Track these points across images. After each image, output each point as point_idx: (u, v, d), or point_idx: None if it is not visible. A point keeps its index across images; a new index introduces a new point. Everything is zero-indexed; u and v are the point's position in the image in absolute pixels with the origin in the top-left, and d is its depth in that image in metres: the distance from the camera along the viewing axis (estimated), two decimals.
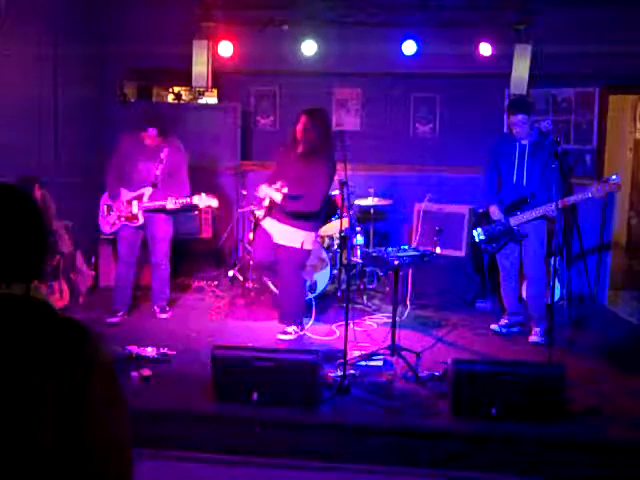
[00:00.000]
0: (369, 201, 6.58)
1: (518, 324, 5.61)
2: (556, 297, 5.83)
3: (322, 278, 6.14)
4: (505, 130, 6.96)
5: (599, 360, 5.01)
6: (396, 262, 4.67)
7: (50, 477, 1.32)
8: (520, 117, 5.23)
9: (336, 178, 5.70)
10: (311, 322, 5.61)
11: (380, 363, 4.72)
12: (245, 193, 6.59)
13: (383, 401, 4.18)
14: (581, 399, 4.16)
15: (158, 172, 5.55)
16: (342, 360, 4.36)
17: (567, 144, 7.14)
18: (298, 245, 5.23)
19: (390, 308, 5.11)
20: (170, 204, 5.47)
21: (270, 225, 5.32)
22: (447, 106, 7.45)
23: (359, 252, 6.22)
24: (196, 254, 7.18)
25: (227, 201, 7.12)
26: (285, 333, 5.31)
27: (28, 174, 5.35)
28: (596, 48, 6.40)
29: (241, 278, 6.63)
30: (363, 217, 6.73)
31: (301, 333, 5.39)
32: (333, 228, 6.36)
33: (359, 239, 6.32)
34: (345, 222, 5.60)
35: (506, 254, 5.50)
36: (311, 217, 5.26)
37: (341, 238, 5.87)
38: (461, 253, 6.38)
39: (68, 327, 1.40)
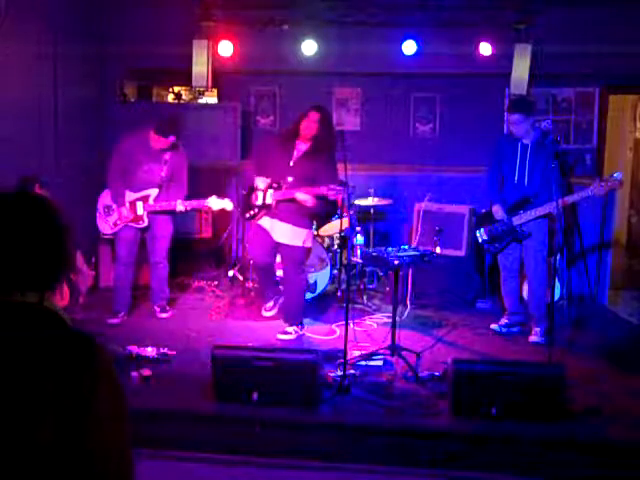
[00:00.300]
0: (369, 201, 6.58)
1: (518, 324, 5.61)
2: (556, 297, 5.82)
3: (322, 278, 6.15)
4: (505, 130, 6.96)
5: (599, 360, 5.01)
6: (396, 262, 4.67)
7: (50, 478, 1.32)
8: (517, 116, 5.23)
9: None
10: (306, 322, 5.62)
11: (380, 363, 4.72)
12: (245, 193, 6.58)
13: (383, 401, 4.18)
14: (581, 399, 4.16)
15: (163, 174, 5.54)
16: (342, 360, 4.35)
17: (567, 144, 7.15)
18: (300, 243, 5.23)
19: (390, 308, 5.11)
20: (180, 206, 5.46)
21: (270, 224, 5.28)
22: (447, 106, 7.44)
23: (359, 252, 6.22)
24: (196, 254, 7.18)
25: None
26: (285, 333, 5.31)
27: (28, 174, 5.35)
28: (596, 48, 6.40)
29: (241, 278, 6.63)
30: (363, 217, 6.73)
31: (300, 333, 5.39)
32: (333, 228, 6.36)
33: (359, 239, 6.32)
34: (345, 222, 5.60)
35: (507, 253, 5.50)
36: (311, 215, 5.27)
37: (341, 238, 5.88)
38: (461, 253, 6.38)
39: (76, 338, 1.40)
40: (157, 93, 8.73)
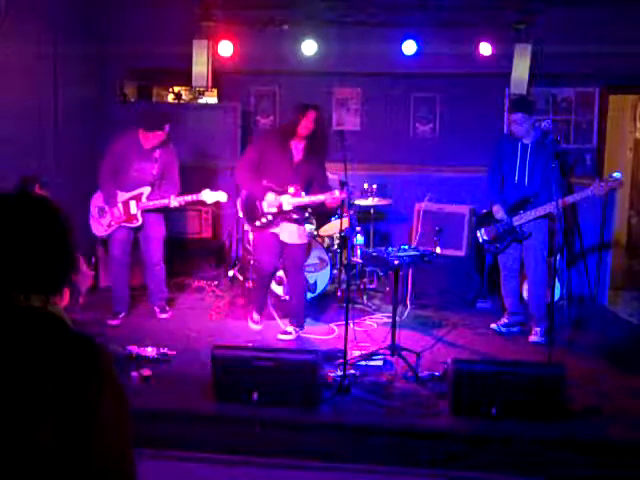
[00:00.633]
0: (369, 201, 6.58)
1: (518, 324, 5.61)
2: (556, 297, 5.83)
3: (322, 278, 6.15)
4: (505, 130, 6.97)
5: (599, 360, 5.01)
6: (396, 262, 4.67)
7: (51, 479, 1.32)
8: (519, 116, 5.23)
9: (336, 178, 5.71)
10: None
11: (380, 363, 4.72)
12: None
13: (383, 401, 4.18)
14: (581, 399, 4.16)
15: (155, 172, 5.53)
16: (342, 360, 4.36)
17: (567, 144, 7.15)
18: (305, 240, 5.32)
19: (390, 308, 5.11)
20: (174, 202, 5.45)
21: (280, 227, 5.25)
22: (447, 106, 7.44)
23: (359, 252, 6.22)
24: (196, 254, 7.18)
25: (227, 201, 7.09)
26: (285, 333, 5.31)
27: (28, 174, 5.34)
28: (596, 48, 6.40)
29: (241, 278, 6.63)
30: (363, 217, 6.73)
31: (300, 333, 5.39)
32: (333, 228, 6.36)
33: (359, 239, 6.32)
34: (345, 222, 5.60)
35: (507, 253, 5.50)
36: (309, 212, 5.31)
37: (341, 238, 5.87)
38: (461, 253, 6.39)
39: (78, 341, 1.40)
40: (157, 93, 8.73)
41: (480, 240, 5.57)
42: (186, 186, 5.67)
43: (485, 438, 3.73)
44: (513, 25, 6.74)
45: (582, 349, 5.24)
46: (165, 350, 4.75)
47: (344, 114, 7.60)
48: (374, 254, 4.93)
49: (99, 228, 5.63)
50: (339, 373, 4.33)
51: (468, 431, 3.80)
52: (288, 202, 5.10)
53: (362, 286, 6.49)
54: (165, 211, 5.65)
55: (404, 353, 4.68)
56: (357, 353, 4.83)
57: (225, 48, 6.99)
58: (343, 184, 4.76)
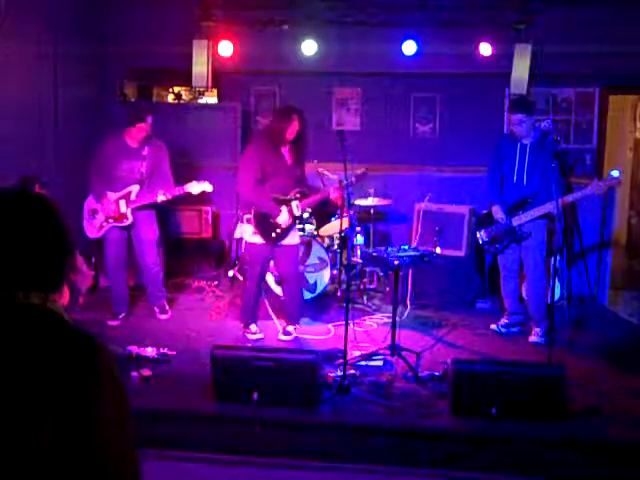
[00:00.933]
0: (369, 201, 6.58)
1: (518, 324, 5.61)
2: (556, 297, 5.83)
3: (322, 278, 6.15)
4: (505, 130, 6.97)
5: (599, 360, 5.01)
6: (396, 262, 4.67)
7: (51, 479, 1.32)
8: (520, 116, 5.22)
9: (336, 177, 5.73)
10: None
11: (380, 363, 4.72)
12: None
13: (383, 401, 4.18)
14: (581, 399, 4.16)
15: (143, 169, 5.52)
16: (342, 360, 4.36)
17: (567, 144, 7.15)
18: (297, 241, 5.34)
19: (390, 308, 5.11)
20: (160, 196, 5.45)
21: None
22: (447, 106, 7.44)
23: (359, 252, 6.22)
24: (196, 254, 7.18)
25: (227, 201, 7.11)
26: (287, 333, 5.31)
27: (28, 174, 5.34)
28: (596, 48, 6.40)
29: (241, 278, 6.63)
30: (363, 217, 6.73)
31: (297, 327, 5.39)
32: (333, 228, 6.36)
33: (359, 239, 6.32)
34: (345, 222, 5.60)
35: (507, 254, 5.49)
36: None
37: (341, 238, 5.87)
38: (461, 253, 6.38)
39: (78, 339, 1.40)
40: (157, 93, 8.73)
41: (480, 241, 5.57)
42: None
43: (485, 438, 3.74)
44: (513, 25, 6.74)
45: (582, 349, 5.24)
46: (165, 350, 4.75)
47: (344, 114, 7.60)
48: (374, 254, 4.93)
49: (92, 230, 5.63)
50: (339, 373, 4.33)
51: (468, 431, 3.80)
52: (297, 207, 5.14)
53: (362, 286, 6.49)
54: (157, 209, 5.64)
55: (404, 353, 4.68)
56: (357, 353, 4.83)
57: (225, 48, 6.99)
58: (343, 184, 4.76)
